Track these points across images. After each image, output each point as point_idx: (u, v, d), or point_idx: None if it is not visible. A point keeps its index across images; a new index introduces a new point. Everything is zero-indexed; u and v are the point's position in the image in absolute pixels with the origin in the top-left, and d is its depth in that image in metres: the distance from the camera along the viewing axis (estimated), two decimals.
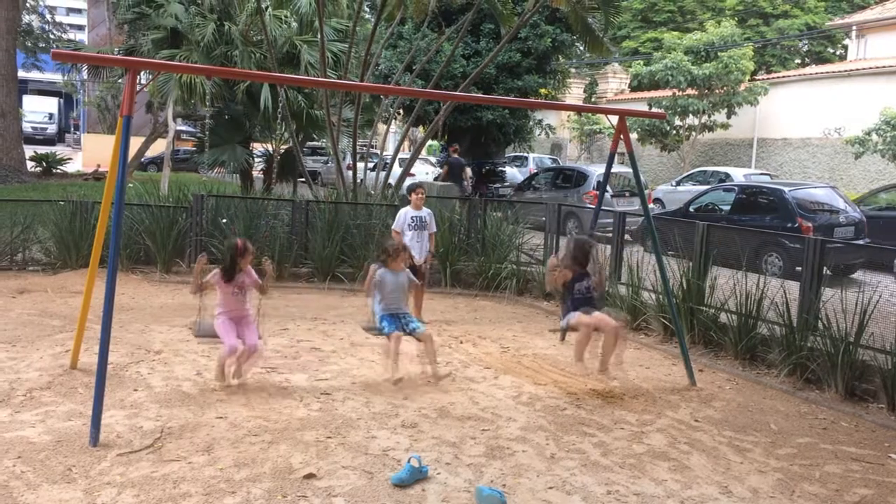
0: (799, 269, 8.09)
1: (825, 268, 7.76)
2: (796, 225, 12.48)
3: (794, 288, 7.63)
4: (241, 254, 6.07)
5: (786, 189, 13.56)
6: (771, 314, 7.48)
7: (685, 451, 5.26)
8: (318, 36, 13.22)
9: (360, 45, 15.51)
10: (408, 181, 17.71)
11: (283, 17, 15.95)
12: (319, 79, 12.78)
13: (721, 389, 6.85)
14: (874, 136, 21.76)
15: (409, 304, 7.04)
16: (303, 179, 17.99)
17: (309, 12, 15.40)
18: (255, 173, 18.60)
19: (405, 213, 8.64)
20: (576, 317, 6.46)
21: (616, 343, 6.42)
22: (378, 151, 19.74)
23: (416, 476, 4.50)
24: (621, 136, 7.19)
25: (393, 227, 8.71)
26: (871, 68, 26.53)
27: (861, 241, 12.73)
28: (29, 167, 23.90)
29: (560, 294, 6.81)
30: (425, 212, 8.72)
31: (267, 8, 15.41)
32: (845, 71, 27.69)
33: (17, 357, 6.59)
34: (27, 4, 28.77)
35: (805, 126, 28.11)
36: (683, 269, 8.29)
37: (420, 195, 8.72)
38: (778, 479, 4.89)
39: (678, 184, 23.38)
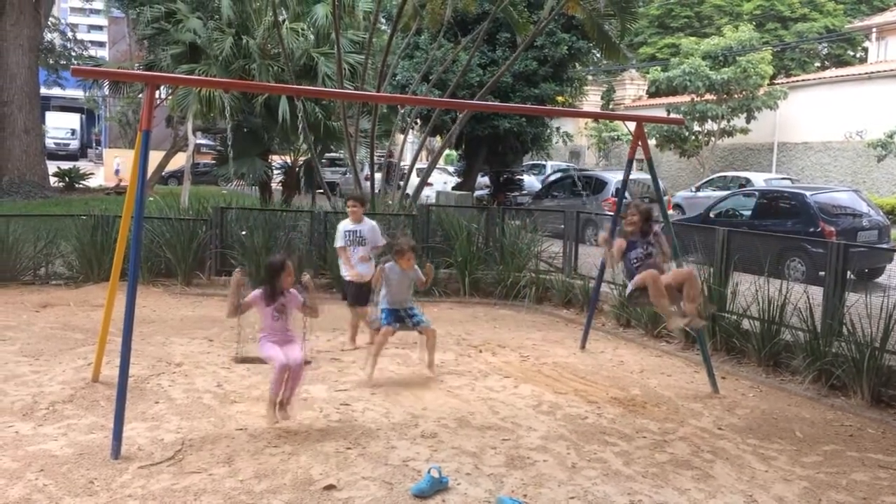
0: (822, 273, 7.99)
1: (849, 272, 7.66)
2: (819, 229, 12.34)
3: (817, 293, 7.53)
4: (280, 271, 5.46)
5: (807, 193, 13.44)
6: (794, 320, 7.38)
7: (709, 460, 5.19)
8: (335, 48, 13.30)
9: (377, 56, 15.55)
10: (426, 191, 17.79)
11: (300, 30, 16.06)
12: (336, 90, 12.85)
13: (744, 397, 6.77)
14: None
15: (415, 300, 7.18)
16: (321, 191, 18.08)
17: (325, 25, 15.49)
18: (274, 185, 18.71)
19: (342, 228, 7.90)
20: (639, 277, 6.15)
21: (693, 285, 6.07)
22: (396, 161, 19.80)
23: (437, 487, 4.47)
24: (639, 143, 7.16)
25: (335, 244, 7.99)
26: (891, 70, 26.25)
27: (885, 245, 12.58)
28: (52, 182, 24.22)
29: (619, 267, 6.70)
30: (366, 226, 7.87)
31: (284, 21, 15.54)
32: (866, 73, 27.41)
33: (40, 370, 6.65)
34: (49, 23, 29.19)
35: (826, 129, 27.83)
36: (704, 275, 8.22)
37: (352, 207, 7.87)
38: (804, 488, 4.81)
39: (698, 189, 23.22)
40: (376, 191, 14.29)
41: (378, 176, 15.28)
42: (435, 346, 6.98)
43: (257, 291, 5.56)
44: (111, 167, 33.66)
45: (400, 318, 6.83)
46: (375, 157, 15.40)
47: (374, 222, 8.13)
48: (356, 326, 8.01)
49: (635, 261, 6.32)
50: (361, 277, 7.68)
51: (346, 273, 7.87)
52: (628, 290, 6.43)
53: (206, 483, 4.51)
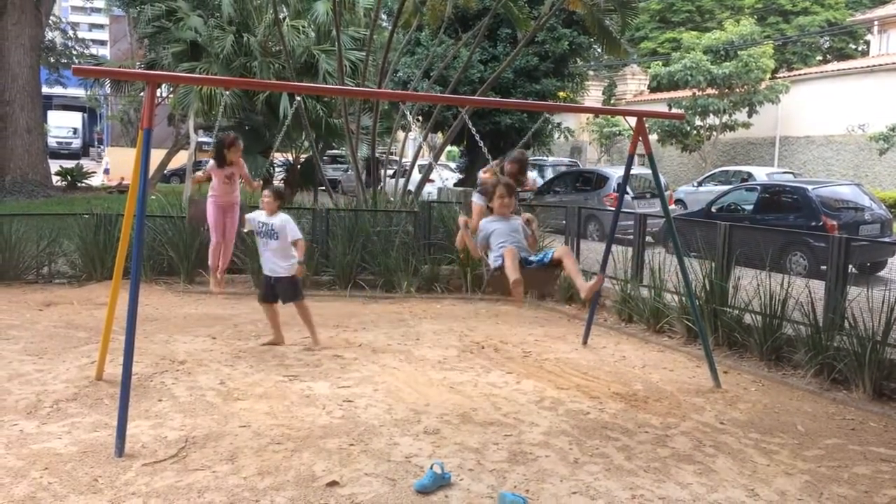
0: (824, 268, 7.99)
1: (850, 266, 7.66)
2: (821, 223, 12.33)
3: (819, 287, 7.54)
4: (230, 146, 7.30)
5: (809, 187, 13.42)
6: (796, 314, 7.39)
7: (710, 454, 5.20)
8: (336, 45, 13.30)
9: (378, 52, 15.55)
10: (428, 187, 17.79)
11: (300, 28, 16.07)
12: (338, 87, 12.86)
13: (746, 391, 6.77)
14: None
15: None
16: (323, 188, 18.09)
17: (326, 22, 15.50)
18: (275, 182, 18.73)
19: (254, 218, 7.53)
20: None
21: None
22: (398, 158, 19.81)
23: (439, 483, 4.49)
24: (640, 138, 7.16)
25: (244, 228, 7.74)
26: (894, 63, 26.15)
27: (887, 239, 12.57)
28: (54, 181, 24.24)
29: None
30: (277, 219, 7.41)
31: (285, 19, 15.55)
32: (868, 67, 27.34)
33: (43, 369, 6.67)
34: (50, 22, 29.20)
35: (828, 123, 27.77)
36: (706, 270, 8.22)
37: (267, 199, 7.44)
38: (806, 482, 4.82)
39: (700, 184, 23.20)
40: (378, 187, 14.30)
41: (380, 173, 15.29)
42: (578, 269, 5.70)
43: (211, 162, 7.47)
44: (113, 166, 33.68)
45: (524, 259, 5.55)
46: (378, 154, 15.40)
47: (287, 216, 7.56)
48: (276, 323, 7.70)
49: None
50: (273, 273, 7.44)
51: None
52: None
53: (210, 480, 4.54)
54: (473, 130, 6.51)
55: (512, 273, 5.21)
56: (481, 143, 6.49)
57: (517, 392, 6.49)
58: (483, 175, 6.61)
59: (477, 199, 6.60)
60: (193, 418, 5.57)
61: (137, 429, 5.26)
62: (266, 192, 7.55)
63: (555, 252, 5.56)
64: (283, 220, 7.40)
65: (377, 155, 15.31)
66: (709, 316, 7.99)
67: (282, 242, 7.37)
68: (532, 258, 5.59)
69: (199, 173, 8.04)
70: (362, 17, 16.60)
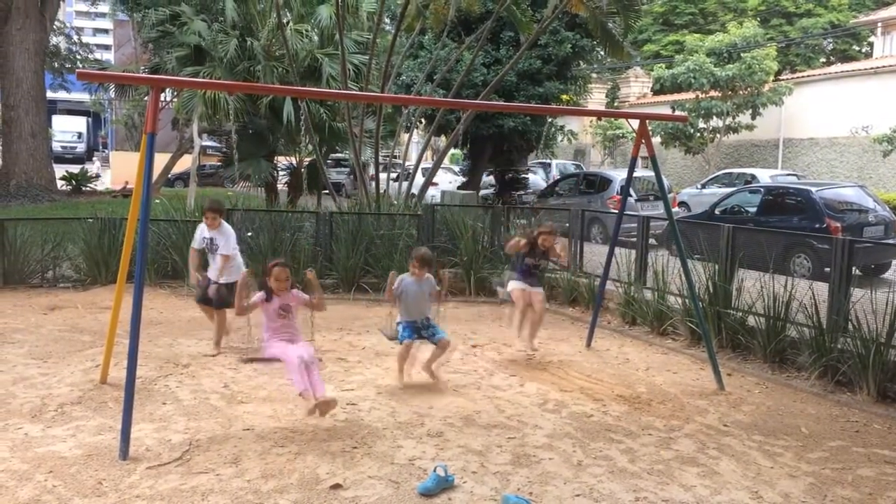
0: (828, 270, 7.98)
1: (854, 268, 7.65)
2: (824, 225, 12.32)
3: (823, 289, 7.53)
4: (267, 275, 5.61)
5: (813, 189, 13.40)
6: (800, 316, 7.38)
7: (714, 457, 5.20)
8: (339, 49, 13.32)
9: (381, 56, 15.57)
10: (431, 190, 17.80)
11: (304, 32, 16.09)
12: (341, 91, 12.88)
13: (750, 393, 6.77)
14: None
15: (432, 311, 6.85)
16: (327, 191, 18.10)
17: (329, 26, 15.52)
18: (279, 186, 18.76)
19: (199, 232, 7.70)
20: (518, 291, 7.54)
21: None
22: (401, 161, 19.83)
23: (443, 485, 4.50)
24: (643, 140, 7.17)
25: (192, 245, 7.80)
26: None
27: (891, 240, 12.55)
28: (59, 186, 24.31)
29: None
30: (217, 233, 7.60)
31: (288, 23, 15.56)
32: (871, 68, 27.31)
33: (48, 373, 6.70)
34: (54, 27, 29.31)
35: (832, 125, 27.74)
36: (709, 272, 8.22)
37: (209, 218, 7.53)
38: (809, 484, 4.81)
39: (703, 186, 23.17)
40: (381, 190, 14.32)
41: (383, 176, 15.31)
42: (447, 357, 6.84)
43: (260, 294, 5.68)
44: (117, 170, 33.77)
45: (417, 329, 6.55)
46: (381, 158, 15.42)
47: (229, 227, 7.83)
48: (222, 325, 7.75)
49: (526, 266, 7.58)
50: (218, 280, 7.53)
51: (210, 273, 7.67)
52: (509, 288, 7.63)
53: (214, 483, 4.55)
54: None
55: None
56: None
57: (521, 394, 6.49)
58: (510, 244, 7.74)
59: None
60: (197, 421, 5.58)
61: (141, 432, 5.28)
62: (208, 211, 7.61)
63: (440, 340, 6.57)
64: (220, 234, 7.56)
65: (380, 158, 15.34)
66: (712, 318, 7.99)
67: (222, 254, 7.55)
68: (424, 333, 6.60)
69: (253, 300, 5.85)
70: (365, 20, 16.63)
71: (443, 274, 6.83)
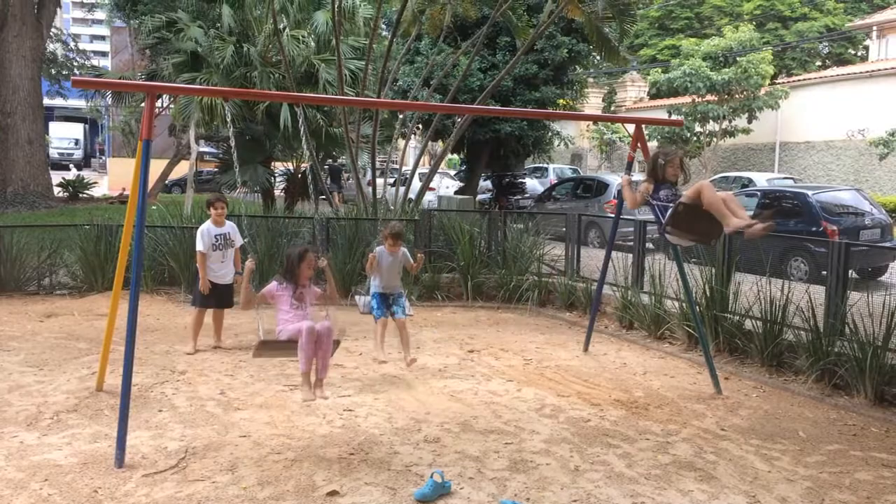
0: (825, 273, 7.99)
1: (851, 271, 7.65)
2: (821, 229, 12.33)
3: (819, 292, 7.53)
4: (301, 261, 5.40)
5: (810, 192, 13.42)
6: (797, 320, 7.38)
7: (711, 461, 5.19)
8: (336, 54, 13.33)
9: (378, 61, 15.59)
10: (428, 195, 17.81)
11: (300, 38, 16.09)
12: (338, 97, 12.88)
13: (747, 397, 6.76)
14: None
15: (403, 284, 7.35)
16: (324, 197, 18.10)
17: (326, 32, 15.54)
18: (276, 192, 18.76)
19: (207, 232, 7.65)
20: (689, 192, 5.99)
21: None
22: (398, 166, 19.83)
23: (440, 491, 4.48)
24: (639, 144, 7.18)
25: (198, 248, 7.65)
26: (893, 68, 26.19)
27: (888, 244, 12.56)
28: (56, 192, 24.29)
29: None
30: (228, 227, 7.80)
31: (285, 29, 15.57)
32: (867, 72, 27.37)
33: (44, 380, 6.67)
34: (51, 33, 29.30)
35: (828, 128, 27.79)
36: (706, 276, 8.22)
37: (219, 210, 7.67)
38: (807, 488, 4.81)
39: None
40: (378, 195, 14.32)
41: (380, 181, 15.31)
42: (408, 340, 7.05)
43: (272, 284, 5.52)
44: (115, 176, 33.76)
45: (388, 304, 6.95)
46: (378, 163, 15.42)
47: (232, 223, 7.97)
48: (199, 325, 7.96)
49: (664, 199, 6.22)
50: (223, 279, 7.82)
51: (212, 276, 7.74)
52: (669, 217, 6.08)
53: (210, 491, 4.53)
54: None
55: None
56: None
57: (518, 400, 6.48)
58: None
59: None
60: (193, 428, 5.57)
61: (137, 439, 5.26)
62: (219, 202, 7.88)
63: (397, 319, 6.92)
64: (232, 228, 7.93)
65: (377, 163, 15.34)
66: (709, 322, 7.99)
67: (232, 249, 7.95)
68: (393, 308, 6.93)
69: (264, 290, 5.71)
70: (362, 26, 16.65)
71: (419, 255, 7.25)
